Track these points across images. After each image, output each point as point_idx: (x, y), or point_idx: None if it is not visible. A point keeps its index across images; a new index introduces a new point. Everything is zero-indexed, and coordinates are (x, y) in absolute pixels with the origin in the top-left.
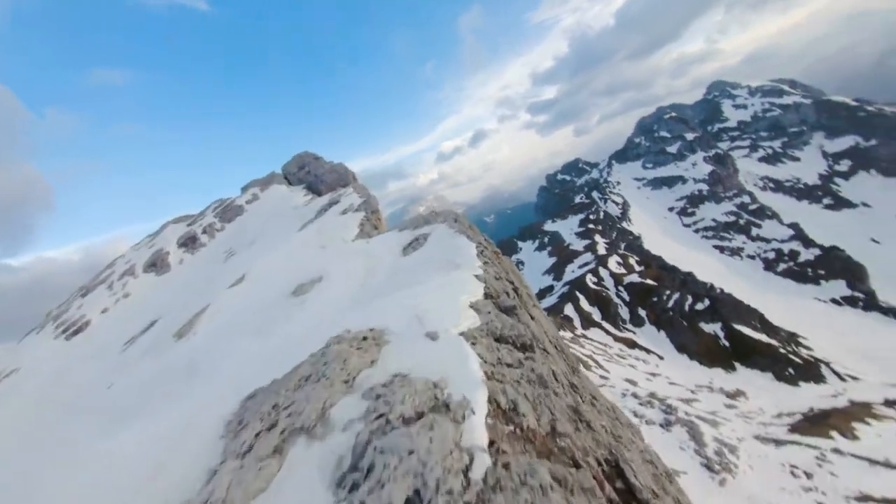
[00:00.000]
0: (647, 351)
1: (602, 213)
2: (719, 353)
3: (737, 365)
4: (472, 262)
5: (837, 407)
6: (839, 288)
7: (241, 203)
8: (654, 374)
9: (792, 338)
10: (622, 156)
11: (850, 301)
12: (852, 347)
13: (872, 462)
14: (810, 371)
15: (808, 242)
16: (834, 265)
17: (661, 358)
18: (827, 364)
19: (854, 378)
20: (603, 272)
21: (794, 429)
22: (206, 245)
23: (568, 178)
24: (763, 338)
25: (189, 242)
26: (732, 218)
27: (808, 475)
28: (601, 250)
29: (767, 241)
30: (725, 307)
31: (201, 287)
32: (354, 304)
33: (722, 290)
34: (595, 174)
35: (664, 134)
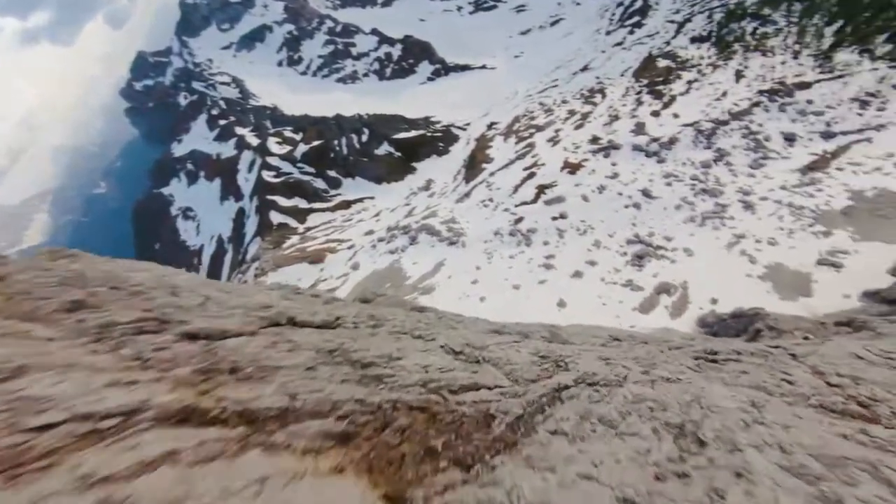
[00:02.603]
0: (360, 200)
1: (222, 103)
2: (399, 165)
3: (414, 165)
4: None
5: (474, 147)
6: (426, 67)
7: None
8: (377, 215)
9: (427, 121)
10: (189, 27)
11: (437, 73)
12: (455, 104)
13: (505, 165)
14: (450, 137)
15: (391, 41)
16: (414, 51)
17: (372, 198)
18: (452, 125)
19: (468, 124)
20: (272, 161)
21: (467, 178)
22: None
23: (149, 82)
24: (413, 133)
25: None
26: (331, 47)
27: (491, 200)
28: (253, 141)
29: (367, 54)
30: (377, 127)
31: None
32: None
33: (367, 115)
34: (178, 63)
35: None
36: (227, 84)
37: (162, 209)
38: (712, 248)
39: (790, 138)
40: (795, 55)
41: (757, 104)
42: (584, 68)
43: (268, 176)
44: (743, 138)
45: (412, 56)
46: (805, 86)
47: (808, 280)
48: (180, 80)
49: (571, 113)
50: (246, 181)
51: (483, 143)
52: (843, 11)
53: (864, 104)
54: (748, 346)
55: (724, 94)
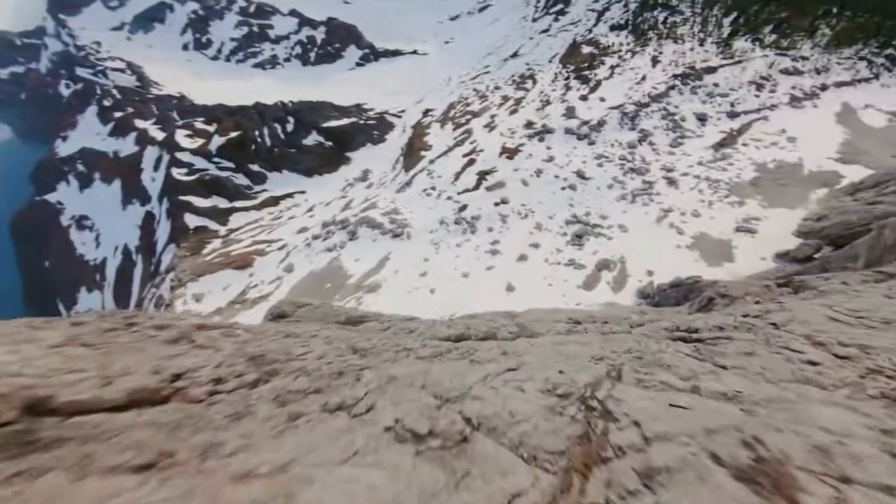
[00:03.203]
0: (290, 196)
1: (116, 92)
2: (332, 155)
3: (348, 155)
4: None
5: (411, 135)
6: (354, 52)
7: None
8: (310, 210)
9: (359, 108)
10: (66, 4)
11: (365, 58)
12: (388, 90)
13: (444, 153)
14: (384, 125)
15: (313, 24)
16: (340, 34)
17: (303, 193)
18: (387, 112)
19: (403, 111)
20: (182, 156)
21: (406, 167)
22: None
23: (18, 68)
24: (344, 122)
25: None
26: (245, 29)
27: (433, 188)
28: (157, 135)
29: (287, 37)
30: (304, 115)
31: None
32: None
33: (291, 102)
34: (55, 46)
35: None
36: (122, 70)
37: (49, 219)
38: (644, 222)
39: (702, 118)
40: (701, 42)
41: (672, 87)
42: (514, 55)
43: (178, 174)
44: (662, 119)
45: (338, 40)
46: (711, 70)
47: (730, 246)
48: (60, 66)
49: (505, 99)
50: (152, 181)
51: (420, 130)
52: (735, 4)
53: (759, 87)
54: (724, 319)
55: (644, 78)
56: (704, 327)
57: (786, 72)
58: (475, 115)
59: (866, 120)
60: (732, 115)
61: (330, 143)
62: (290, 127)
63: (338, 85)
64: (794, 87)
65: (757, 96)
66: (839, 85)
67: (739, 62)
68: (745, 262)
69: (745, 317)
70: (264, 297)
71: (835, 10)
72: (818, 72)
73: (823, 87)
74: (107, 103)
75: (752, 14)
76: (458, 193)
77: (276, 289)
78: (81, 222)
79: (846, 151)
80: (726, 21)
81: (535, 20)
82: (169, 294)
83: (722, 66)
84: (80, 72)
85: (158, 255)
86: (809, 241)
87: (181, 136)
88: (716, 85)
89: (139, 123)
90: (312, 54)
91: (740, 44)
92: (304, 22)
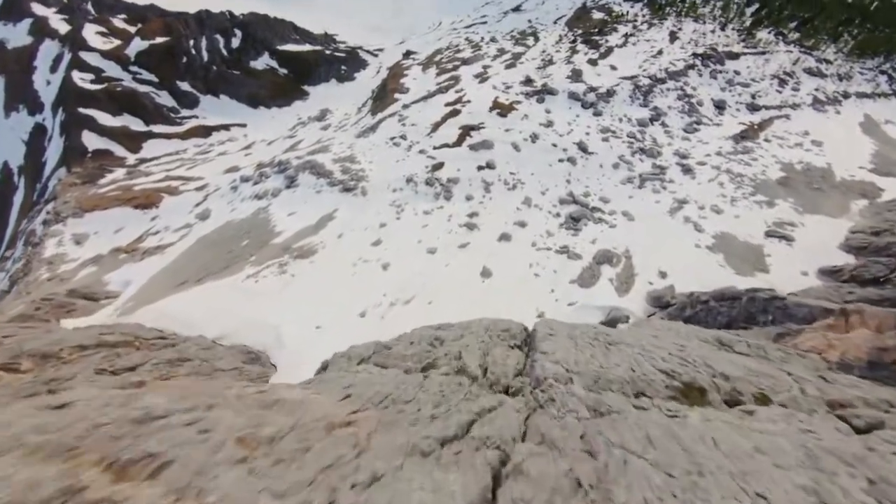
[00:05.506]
0: (225, 128)
1: None
2: (287, 85)
3: (306, 89)
4: None
5: (388, 76)
6: None
7: None
8: (248, 147)
9: (328, 37)
10: None
11: None
12: (366, 25)
13: (423, 98)
14: (356, 60)
15: None
16: None
17: (243, 126)
18: (360, 48)
19: (380, 50)
20: (90, 58)
21: (374, 111)
22: None
23: None
24: (307, 48)
25: None
26: None
27: (404, 137)
28: (61, 27)
29: None
30: (257, 31)
31: None
32: None
33: (243, 15)
34: None
35: None
36: None
37: None
38: (654, 213)
39: (720, 106)
40: (723, 27)
41: (692, 66)
42: (517, 9)
43: (81, 79)
44: (678, 100)
45: None
46: (734, 56)
47: (761, 253)
48: None
49: (501, 51)
50: (47, 85)
51: (398, 70)
52: None
53: (782, 82)
54: None
55: (660, 52)
56: None
57: (809, 72)
58: (465, 62)
59: (891, 134)
60: (753, 107)
61: (285, 71)
62: (235, 42)
63: (307, 10)
64: (817, 89)
65: (780, 92)
66: (860, 96)
67: (763, 53)
68: (783, 274)
69: None
70: (163, 248)
71: (857, 21)
72: (840, 78)
73: (846, 95)
74: None
75: (776, 8)
76: (435, 148)
77: (181, 239)
78: None
79: (879, 163)
80: (748, 10)
81: None
82: (41, 230)
83: (744, 53)
84: None
85: (45, 181)
86: (880, 259)
87: (91, 33)
88: (737, 73)
89: (37, 8)
90: None
91: (763, 34)
92: None
